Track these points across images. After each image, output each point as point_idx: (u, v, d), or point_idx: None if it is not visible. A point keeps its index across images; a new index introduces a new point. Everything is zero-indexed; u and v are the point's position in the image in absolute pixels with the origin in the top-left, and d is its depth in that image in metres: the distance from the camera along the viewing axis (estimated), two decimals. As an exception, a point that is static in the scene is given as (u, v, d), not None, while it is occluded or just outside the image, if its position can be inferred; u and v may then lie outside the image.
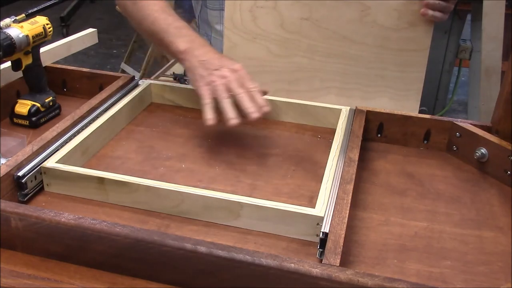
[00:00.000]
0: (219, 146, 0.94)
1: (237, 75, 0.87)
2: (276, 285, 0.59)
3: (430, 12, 1.01)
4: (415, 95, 1.09)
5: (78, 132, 0.88)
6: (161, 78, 2.49)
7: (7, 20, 0.96)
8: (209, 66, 0.88)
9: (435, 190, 0.86)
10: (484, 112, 1.85)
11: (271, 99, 1.04)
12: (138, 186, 0.75)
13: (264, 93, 0.92)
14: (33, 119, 0.99)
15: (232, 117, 0.83)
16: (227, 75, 0.87)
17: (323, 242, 0.65)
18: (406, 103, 1.09)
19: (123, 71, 2.88)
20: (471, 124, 0.94)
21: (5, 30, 0.93)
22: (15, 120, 1.00)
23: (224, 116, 0.85)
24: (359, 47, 1.07)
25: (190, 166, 0.88)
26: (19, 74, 1.02)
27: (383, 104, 1.09)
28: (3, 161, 0.79)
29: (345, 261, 0.68)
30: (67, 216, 0.63)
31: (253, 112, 0.83)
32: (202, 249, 0.59)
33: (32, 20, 0.99)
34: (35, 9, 1.10)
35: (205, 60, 0.89)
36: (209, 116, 0.85)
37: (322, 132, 1.01)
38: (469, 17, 2.07)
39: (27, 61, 0.99)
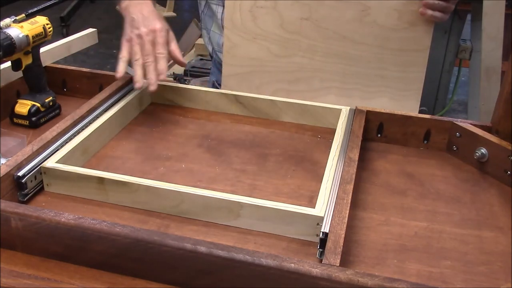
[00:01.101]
0: (219, 146, 0.94)
1: (152, 37, 0.96)
2: (276, 285, 0.59)
3: (430, 12, 1.01)
4: (415, 95, 1.09)
5: (78, 132, 0.88)
6: (161, 78, 2.49)
7: (7, 20, 0.96)
8: (134, 24, 0.98)
9: (435, 190, 0.86)
10: (484, 112, 1.86)
11: (271, 99, 1.04)
12: (138, 186, 0.75)
13: (182, 64, 1.02)
14: (33, 119, 0.99)
15: (136, 80, 0.95)
16: (143, 35, 0.96)
17: (323, 242, 0.65)
18: (406, 103, 1.09)
19: (123, 71, 2.87)
20: (471, 124, 0.94)
21: (5, 30, 0.93)
22: (15, 120, 1.00)
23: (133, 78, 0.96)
24: (359, 47, 1.07)
25: (190, 166, 0.88)
26: (19, 74, 1.02)
27: (383, 104, 1.09)
28: (3, 161, 0.79)
29: (345, 261, 0.68)
30: (67, 216, 0.63)
31: (151, 84, 0.94)
32: (202, 249, 0.59)
33: (32, 20, 0.99)
34: (35, 9, 1.10)
35: (133, 18, 0.99)
36: (120, 69, 0.96)
37: (322, 132, 1.01)
38: (469, 17, 2.07)
39: (27, 61, 0.99)
